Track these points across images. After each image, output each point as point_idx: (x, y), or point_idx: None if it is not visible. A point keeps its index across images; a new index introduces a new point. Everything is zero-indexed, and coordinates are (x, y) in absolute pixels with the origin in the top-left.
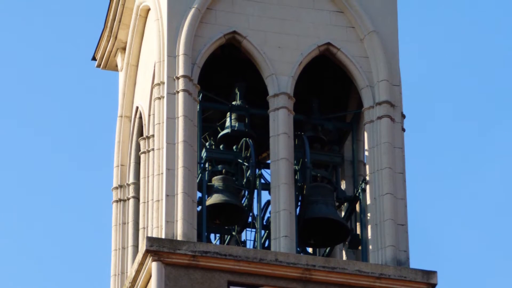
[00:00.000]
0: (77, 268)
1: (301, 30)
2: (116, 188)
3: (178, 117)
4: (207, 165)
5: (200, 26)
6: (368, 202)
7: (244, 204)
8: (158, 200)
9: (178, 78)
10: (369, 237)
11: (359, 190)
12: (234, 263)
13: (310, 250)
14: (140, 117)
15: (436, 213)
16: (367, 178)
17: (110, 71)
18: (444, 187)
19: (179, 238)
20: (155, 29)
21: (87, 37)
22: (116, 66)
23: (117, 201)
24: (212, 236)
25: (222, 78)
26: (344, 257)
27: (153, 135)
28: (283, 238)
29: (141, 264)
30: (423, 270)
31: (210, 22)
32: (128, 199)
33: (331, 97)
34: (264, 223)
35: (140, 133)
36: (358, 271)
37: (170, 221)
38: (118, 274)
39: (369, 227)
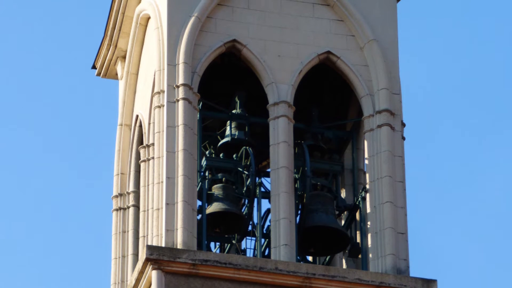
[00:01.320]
0: (77, 277)
1: (301, 39)
2: (116, 196)
3: (178, 126)
4: (207, 174)
5: (200, 34)
6: (368, 210)
7: (244, 213)
8: (158, 209)
9: (178, 87)
10: (369, 246)
11: (359, 199)
12: (234, 272)
13: (310, 258)
14: (140, 126)
15: (436, 221)
16: (367, 186)
17: (110, 80)
18: (444, 195)
19: (179, 246)
20: (155, 37)
21: (87, 46)
22: (116, 74)
23: (117, 210)
24: (212, 244)
25: (222, 87)
26: (344, 266)
27: (153, 144)
28: (283, 247)
29: (141, 272)
30: (423, 278)
31: (210, 30)
32: (128, 207)
33: (331, 105)
34: (264, 232)
35: (140, 141)
36: (358, 279)
37: (170, 230)
38: (118, 282)
39: (369, 235)
